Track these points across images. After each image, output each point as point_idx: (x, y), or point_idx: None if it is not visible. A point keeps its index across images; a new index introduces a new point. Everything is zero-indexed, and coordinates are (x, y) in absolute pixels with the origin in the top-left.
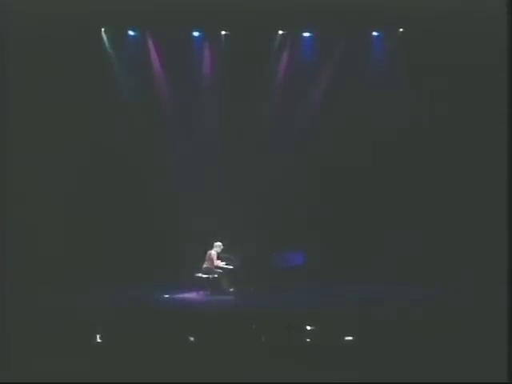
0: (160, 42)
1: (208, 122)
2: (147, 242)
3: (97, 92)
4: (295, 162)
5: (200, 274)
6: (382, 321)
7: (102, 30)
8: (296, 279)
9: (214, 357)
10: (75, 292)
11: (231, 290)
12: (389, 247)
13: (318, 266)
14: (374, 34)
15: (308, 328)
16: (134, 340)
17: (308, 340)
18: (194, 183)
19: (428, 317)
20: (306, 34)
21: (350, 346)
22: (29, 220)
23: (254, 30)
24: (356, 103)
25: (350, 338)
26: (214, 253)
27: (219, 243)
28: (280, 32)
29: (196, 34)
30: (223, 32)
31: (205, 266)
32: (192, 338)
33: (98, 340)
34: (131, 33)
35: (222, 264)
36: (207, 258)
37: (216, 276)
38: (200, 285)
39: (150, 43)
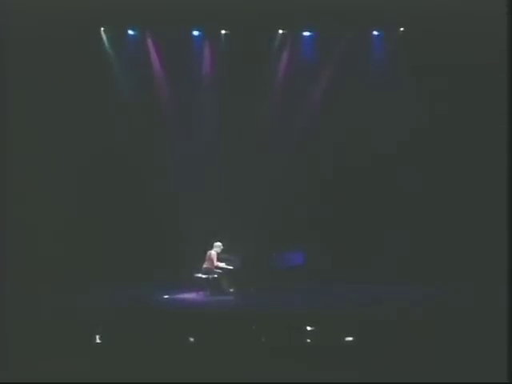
0: (160, 41)
1: (208, 122)
2: (147, 242)
3: (96, 92)
4: (295, 162)
5: (200, 275)
6: (381, 321)
7: (102, 29)
8: (296, 279)
9: (214, 357)
10: (75, 292)
11: (231, 290)
12: (389, 247)
13: (317, 266)
14: (375, 33)
15: (308, 329)
16: (134, 340)
17: (308, 341)
18: (193, 183)
19: (428, 317)
20: (307, 34)
21: (350, 346)
22: (29, 220)
23: (254, 30)
24: (356, 103)
25: (351, 338)
26: (213, 253)
27: (219, 243)
28: (280, 31)
29: (196, 33)
30: (223, 31)
31: (205, 266)
32: (192, 339)
33: (98, 341)
34: (131, 32)
35: (221, 264)
36: (207, 258)
37: (216, 276)
38: (200, 285)
39: (150, 42)
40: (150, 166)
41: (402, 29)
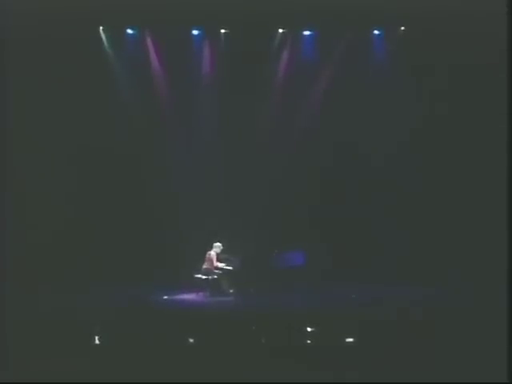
0: (159, 40)
1: (208, 122)
2: (147, 242)
3: (95, 91)
4: (295, 162)
5: (199, 275)
6: (381, 321)
7: (100, 28)
8: (296, 279)
9: (213, 358)
10: (75, 292)
11: (231, 291)
12: (389, 247)
13: (317, 266)
14: (375, 32)
15: (308, 329)
16: (134, 341)
17: (308, 342)
18: (193, 183)
19: (428, 317)
20: (307, 33)
21: (350, 347)
22: (29, 220)
23: (254, 29)
24: (356, 103)
25: (351, 339)
26: (213, 253)
27: (219, 244)
28: (280, 30)
29: (195, 32)
30: (223, 30)
31: (204, 266)
32: (191, 340)
33: (97, 342)
34: (130, 31)
35: (221, 265)
36: (207, 258)
37: (215, 277)
38: (199, 286)
39: (149, 42)
40: (150, 165)
41: (402, 28)
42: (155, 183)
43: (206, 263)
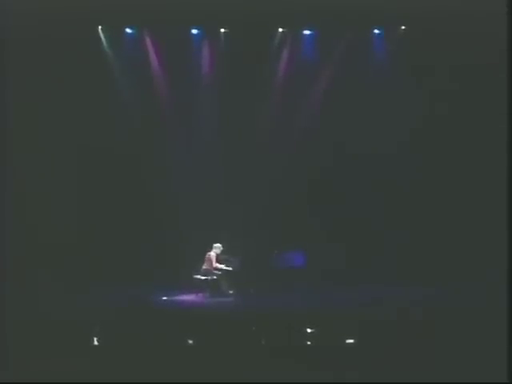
0: (158, 39)
1: (207, 122)
2: (147, 242)
3: (94, 91)
4: (295, 162)
5: (199, 276)
6: (381, 321)
7: (99, 28)
8: (296, 280)
9: (213, 359)
10: (75, 292)
11: (230, 292)
12: (389, 247)
13: (317, 266)
14: (376, 31)
15: (308, 330)
16: (133, 341)
17: (309, 343)
18: (193, 183)
19: (428, 317)
20: (307, 32)
21: (350, 347)
22: (29, 220)
23: (254, 28)
24: (356, 102)
25: (351, 340)
26: (213, 254)
27: (218, 244)
28: (280, 30)
29: (195, 31)
30: (222, 30)
31: (204, 267)
32: (191, 341)
33: (96, 343)
34: (129, 31)
35: (221, 266)
36: (206, 259)
37: (215, 278)
38: (199, 287)
39: (148, 41)
40: (150, 165)
41: (403, 27)
42: (155, 183)
43: (205, 264)
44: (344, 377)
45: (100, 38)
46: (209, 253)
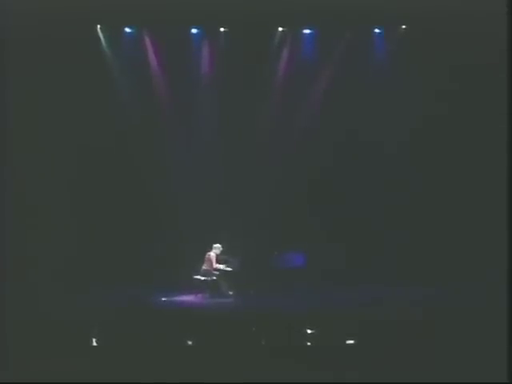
0: (158, 39)
1: (207, 121)
2: (147, 242)
3: (93, 90)
4: (295, 161)
5: (198, 277)
6: (382, 321)
7: (98, 27)
8: (296, 280)
9: (213, 360)
10: (75, 292)
11: (230, 292)
12: (389, 247)
13: (317, 266)
14: (376, 31)
15: (308, 331)
16: (132, 342)
17: (309, 343)
18: (193, 183)
19: (428, 317)
20: (307, 31)
21: (350, 347)
22: (28, 220)
23: (254, 27)
24: (357, 102)
25: (352, 341)
26: (212, 254)
27: (218, 245)
28: (280, 29)
29: (194, 31)
30: (222, 29)
31: (203, 268)
32: (190, 342)
33: (95, 343)
34: (128, 30)
35: (220, 266)
36: (206, 259)
37: (215, 278)
38: (199, 287)
39: (148, 40)
40: (149, 166)
41: (403, 27)
42: (155, 183)
43: (205, 264)
44: (344, 377)
45: (99, 38)
46: (208, 253)
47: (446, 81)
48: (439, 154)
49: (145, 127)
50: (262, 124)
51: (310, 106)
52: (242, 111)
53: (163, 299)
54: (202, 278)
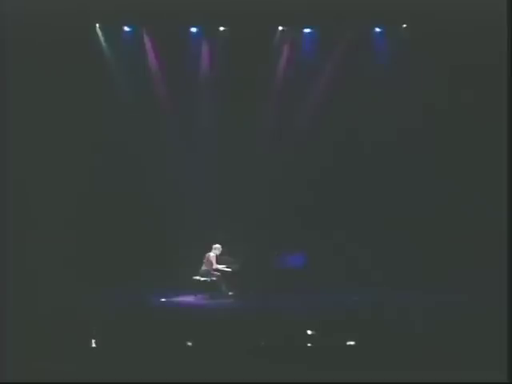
0: (157, 38)
1: (206, 121)
2: (146, 243)
3: (92, 89)
4: (295, 162)
5: (198, 277)
6: (382, 323)
7: (97, 26)
8: (296, 282)
9: (212, 361)
10: (74, 293)
11: (230, 293)
12: (389, 248)
13: (318, 267)
14: (377, 29)
15: (309, 333)
16: (131, 343)
17: (309, 345)
18: (193, 183)
19: (428, 317)
20: (307, 30)
21: (350, 348)
22: (28, 220)
23: (254, 26)
24: (357, 101)
25: (352, 342)
26: (212, 255)
27: (218, 245)
28: (280, 28)
29: (194, 30)
30: (221, 28)
31: (203, 268)
32: (190, 343)
33: (94, 344)
34: (127, 29)
35: (220, 267)
36: (206, 260)
37: (214, 279)
38: (198, 288)
39: (147, 40)
40: (149, 166)
41: (404, 25)
42: (154, 184)
43: (204, 265)
44: (344, 378)
45: (98, 37)
46: (208, 253)
47: (446, 80)
48: (441, 154)
49: (144, 127)
50: (262, 123)
51: (310, 106)
52: (242, 110)
53: (162, 300)
54: (202, 279)
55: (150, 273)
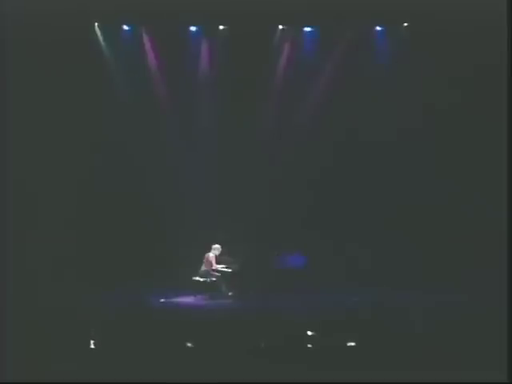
0: (156, 36)
1: (206, 120)
2: (146, 244)
3: (91, 88)
4: (295, 161)
5: (197, 278)
6: (382, 322)
7: (96, 25)
8: (296, 282)
9: (212, 362)
10: (74, 293)
11: (230, 293)
12: (389, 248)
13: (318, 268)
14: (378, 28)
15: (309, 333)
16: (130, 344)
17: (309, 346)
18: (192, 183)
19: (428, 317)
20: (307, 29)
21: (350, 348)
22: (28, 220)
23: (254, 25)
24: (358, 100)
25: (353, 343)
26: (212, 255)
27: (217, 245)
28: (280, 27)
29: (193, 28)
30: (221, 27)
31: (203, 269)
32: (189, 344)
33: (92, 346)
34: (126, 28)
35: (220, 267)
36: (205, 260)
37: (214, 279)
38: (198, 289)
39: (146, 39)
40: (148, 166)
41: (405, 24)
42: (154, 183)
43: (204, 265)
44: (344, 378)
45: (97, 36)
46: (208, 254)
47: (446, 80)
48: (440, 154)
49: (144, 126)
50: (262, 122)
51: (310, 106)
52: (242, 110)
53: (162, 300)
54: (202, 279)
55: (149, 273)
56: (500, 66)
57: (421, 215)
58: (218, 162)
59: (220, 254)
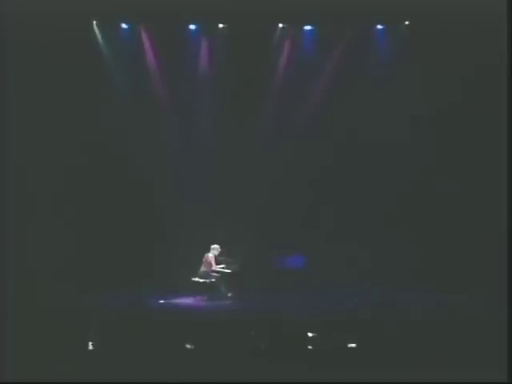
0: (155, 35)
1: (205, 119)
2: (145, 244)
3: (90, 87)
4: (295, 161)
5: (197, 279)
6: (382, 322)
7: (94, 23)
8: (296, 283)
9: (211, 363)
10: (74, 293)
11: (229, 294)
12: (389, 248)
13: (318, 268)
14: (379, 27)
15: (309, 334)
16: (129, 345)
17: (310, 347)
18: (192, 184)
19: (428, 318)
20: (308, 28)
21: (350, 348)
22: (28, 220)
23: (253, 23)
24: (358, 99)
25: (353, 345)
26: (211, 256)
27: (217, 246)
28: (280, 25)
29: (193, 27)
30: (221, 25)
31: (202, 269)
32: (188, 345)
33: (91, 347)
34: (124, 26)
35: (219, 267)
36: (204, 261)
37: (213, 280)
38: (197, 289)
39: (145, 37)
40: (148, 166)
41: (406, 23)
42: (153, 184)
43: (203, 266)
44: (344, 378)
45: (95, 34)
46: (207, 254)
47: (447, 80)
48: (440, 154)
49: (143, 125)
50: (262, 122)
51: (310, 105)
52: (242, 109)
53: (161, 301)
54: (201, 280)
55: (149, 274)
56: (500, 66)
57: (421, 215)
58: (217, 162)
59: (219, 255)
